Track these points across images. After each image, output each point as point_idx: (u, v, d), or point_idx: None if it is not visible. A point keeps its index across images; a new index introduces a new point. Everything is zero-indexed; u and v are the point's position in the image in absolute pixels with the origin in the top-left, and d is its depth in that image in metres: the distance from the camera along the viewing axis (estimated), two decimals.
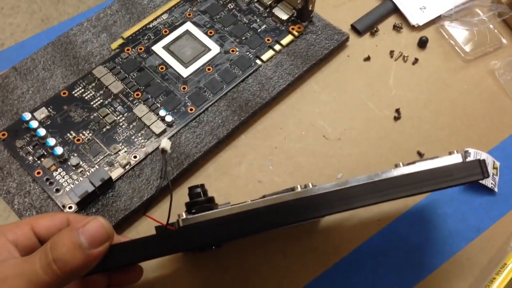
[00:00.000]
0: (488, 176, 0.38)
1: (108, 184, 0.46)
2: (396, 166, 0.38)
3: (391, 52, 0.57)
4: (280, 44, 0.55)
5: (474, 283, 0.45)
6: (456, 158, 0.38)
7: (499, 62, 0.56)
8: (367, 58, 0.56)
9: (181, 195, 0.47)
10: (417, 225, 0.48)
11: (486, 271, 0.45)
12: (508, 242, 0.47)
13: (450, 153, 0.39)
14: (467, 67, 0.56)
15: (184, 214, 0.37)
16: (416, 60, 0.56)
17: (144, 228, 0.46)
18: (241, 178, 0.49)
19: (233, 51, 0.54)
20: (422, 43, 0.57)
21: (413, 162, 0.39)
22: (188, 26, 0.56)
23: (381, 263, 0.46)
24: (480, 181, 0.48)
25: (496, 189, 0.49)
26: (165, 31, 0.55)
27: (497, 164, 0.50)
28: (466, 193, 0.49)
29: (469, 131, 0.52)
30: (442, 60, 0.56)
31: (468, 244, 0.47)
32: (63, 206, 0.45)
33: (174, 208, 0.40)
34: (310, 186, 0.37)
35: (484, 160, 0.37)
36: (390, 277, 0.45)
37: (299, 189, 0.37)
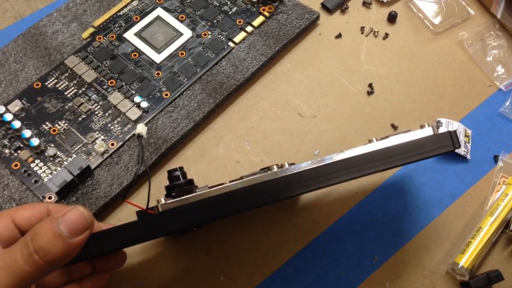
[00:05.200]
0: (459, 146, 0.38)
1: (87, 173, 0.46)
2: (370, 141, 0.39)
3: (362, 28, 0.57)
4: (252, 26, 0.55)
5: (450, 248, 0.46)
6: (427, 131, 0.39)
7: (467, 33, 0.56)
8: (339, 36, 0.57)
9: (161, 180, 0.48)
10: (394, 196, 0.49)
11: (462, 236, 0.47)
12: (482, 206, 0.48)
13: (421, 127, 0.39)
14: (436, 39, 0.57)
15: (162, 199, 0.37)
16: (386, 35, 0.57)
17: (125, 214, 0.47)
18: (219, 160, 0.50)
19: (205, 34, 0.55)
20: (392, 18, 0.57)
21: (386, 137, 0.39)
22: (159, 11, 0.56)
23: (361, 234, 0.47)
24: None
25: (468, 156, 0.50)
26: (136, 18, 0.55)
27: (469, 132, 0.51)
28: (440, 161, 0.50)
29: (440, 102, 0.53)
30: (412, 34, 0.57)
31: (444, 211, 0.48)
32: (43, 197, 0.45)
33: (155, 193, 0.41)
34: (286, 165, 0.38)
35: (454, 132, 0.38)
36: (370, 247, 0.47)
37: (275, 169, 0.38)
